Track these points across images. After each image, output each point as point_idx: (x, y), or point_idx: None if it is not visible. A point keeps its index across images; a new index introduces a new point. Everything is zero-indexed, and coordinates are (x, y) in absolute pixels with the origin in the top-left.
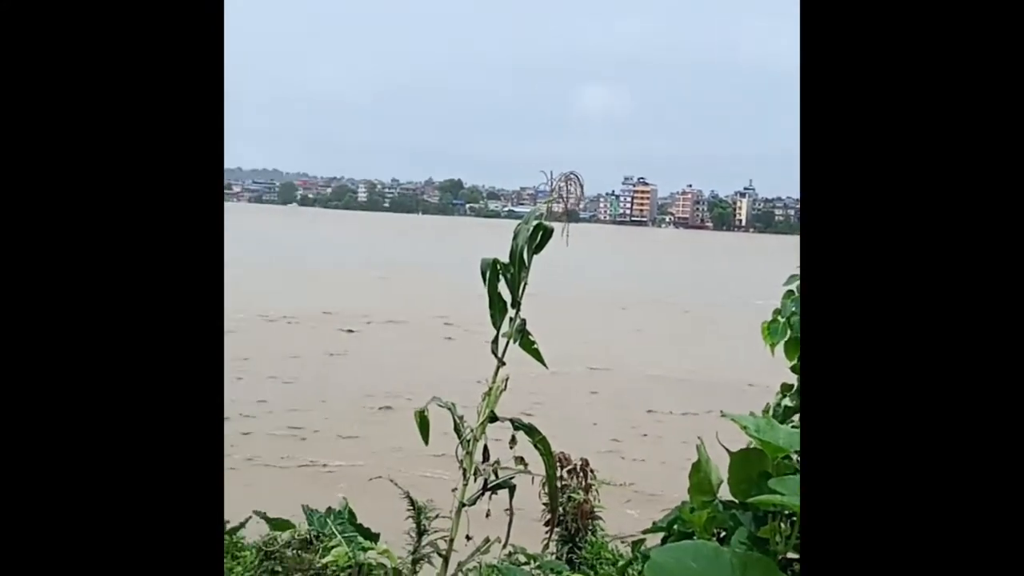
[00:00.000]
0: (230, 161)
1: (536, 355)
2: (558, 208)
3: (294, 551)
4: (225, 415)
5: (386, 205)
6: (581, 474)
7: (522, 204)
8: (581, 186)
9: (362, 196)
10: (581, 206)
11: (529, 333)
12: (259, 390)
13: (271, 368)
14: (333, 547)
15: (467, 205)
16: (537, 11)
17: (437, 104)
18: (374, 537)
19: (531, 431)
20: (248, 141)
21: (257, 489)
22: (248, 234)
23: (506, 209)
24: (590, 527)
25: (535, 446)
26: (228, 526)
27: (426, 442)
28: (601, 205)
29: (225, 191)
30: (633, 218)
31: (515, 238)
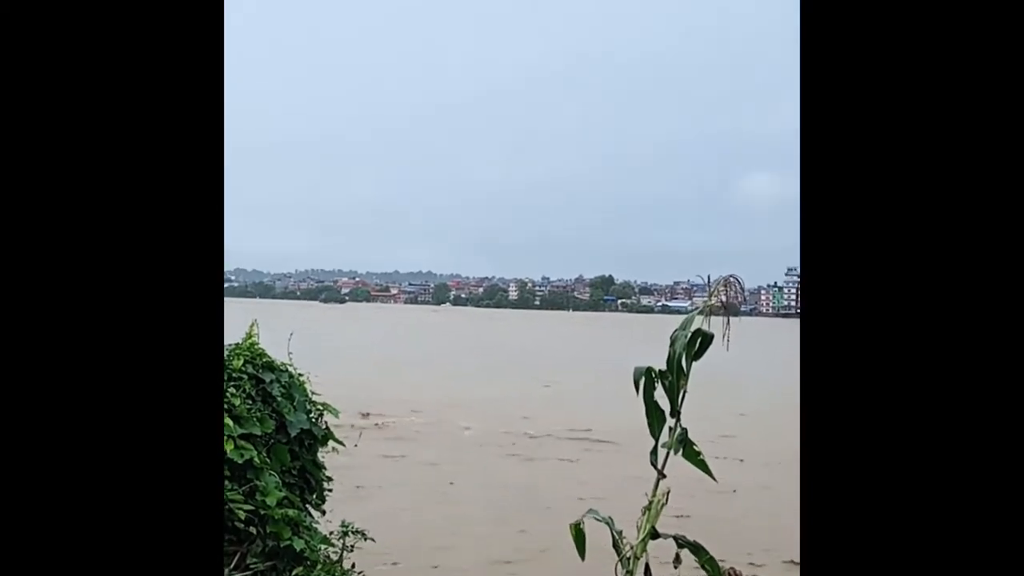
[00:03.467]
0: (388, 265)
1: (703, 467)
2: (717, 303)
3: None
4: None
5: (536, 303)
6: None
7: (676, 299)
8: (742, 288)
9: (513, 295)
10: (740, 306)
11: (693, 443)
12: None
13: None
14: None
15: (619, 301)
16: (695, 97)
17: (587, 198)
18: None
19: (697, 549)
20: (406, 246)
21: None
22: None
23: (659, 304)
24: None
25: (702, 566)
26: None
27: (582, 557)
28: (763, 297)
29: (383, 293)
30: (798, 310)
31: (672, 344)
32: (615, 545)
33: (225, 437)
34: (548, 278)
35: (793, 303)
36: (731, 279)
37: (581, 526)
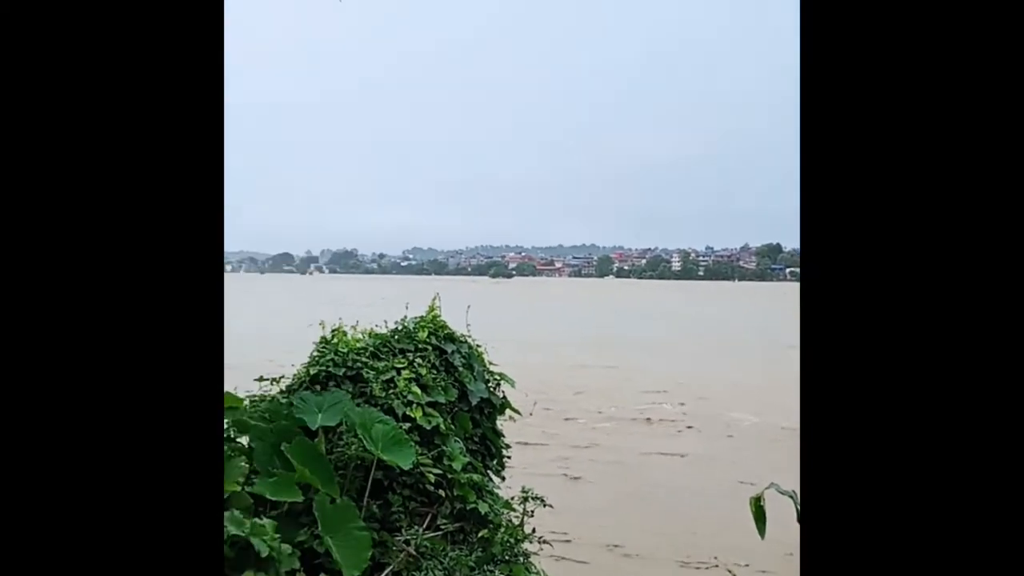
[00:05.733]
0: (553, 240)
1: None
2: None
3: None
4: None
5: (700, 273)
6: None
7: None
8: None
9: (676, 265)
10: None
11: None
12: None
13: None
14: None
15: (787, 270)
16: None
17: (752, 164)
18: None
19: None
20: (569, 218)
21: None
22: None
23: None
24: None
25: None
26: None
27: (762, 535)
28: None
29: (548, 267)
30: None
31: None
32: (800, 519)
33: (414, 405)
34: (712, 248)
35: None
36: None
37: (761, 502)
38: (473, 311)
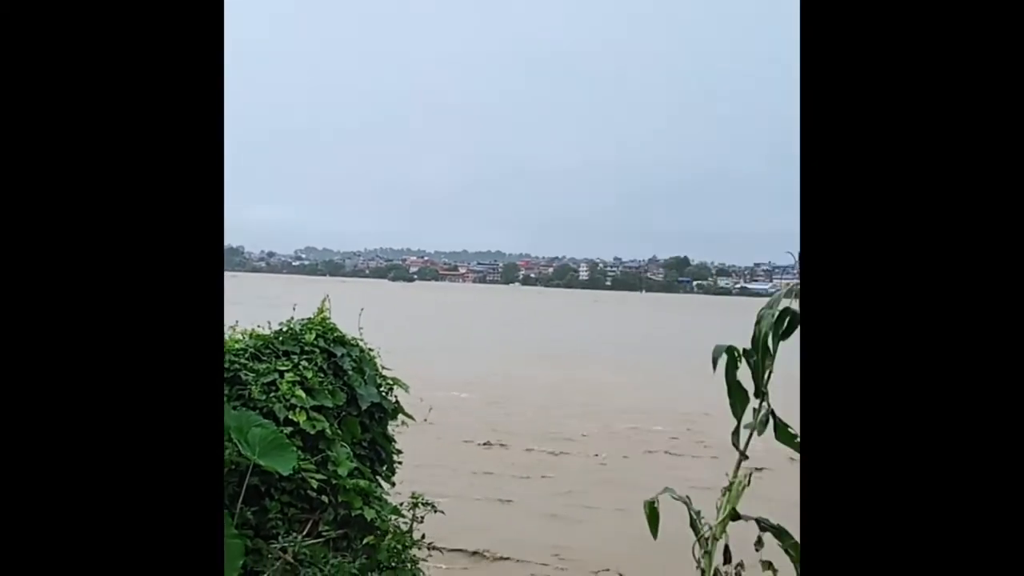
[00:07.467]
0: (457, 245)
1: (799, 448)
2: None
3: None
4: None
5: (608, 283)
6: None
7: (756, 280)
8: None
9: (583, 275)
10: None
11: (788, 425)
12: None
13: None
14: None
15: (694, 283)
16: (777, 77)
17: (660, 178)
18: None
19: (781, 533)
20: (475, 225)
21: None
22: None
23: (737, 286)
24: None
25: (786, 551)
26: None
27: (655, 536)
28: None
29: (452, 272)
30: None
31: (758, 323)
32: (692, 525)
33: (298, 408)
34: (620, 259)
35: None
36: None
37: (655, 504)
38: (369, 315)
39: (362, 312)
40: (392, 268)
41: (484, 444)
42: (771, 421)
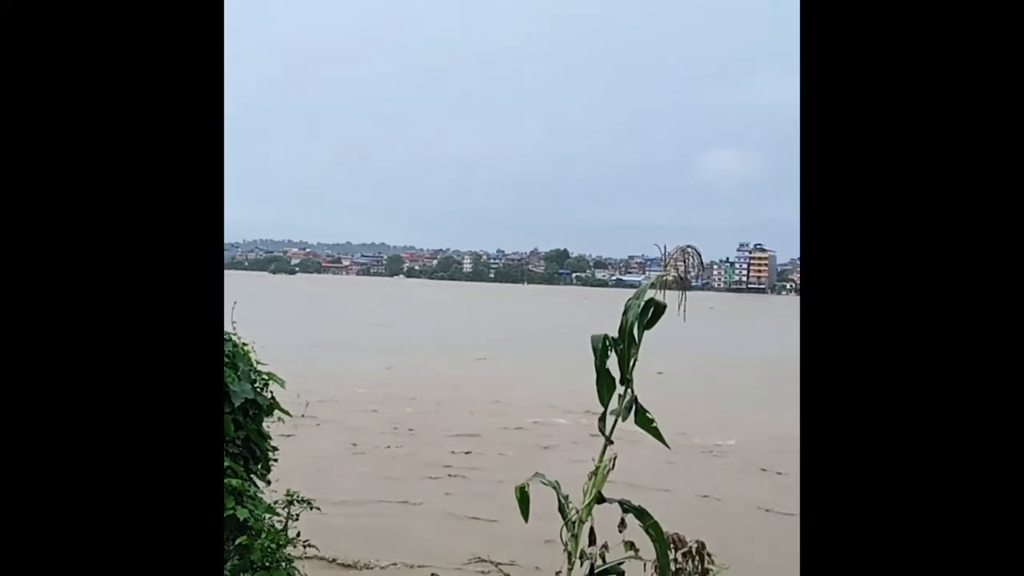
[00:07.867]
0: (341, 236)
1: (655, 434)
2: (670, 278)
3: None
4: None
5: (491, 276)
6: (697, 558)
7: (630, 273)
8: (700, 259)
9: (467, 267)
10: (696, 279)
11: (646, 411)
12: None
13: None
14: None
15: (573, 275)
16: (657, 74)
17: (542, 172)
18: None
19: (641, 514)
20: (359, 216)
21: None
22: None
23: (614, 278)
24: None
25: (646, 531)
26: None
27: (526, 519)
28: (715, 272)
29: (335, 264)
30: (750, 285)
31: (625, 313)
32: (560, 509)
33: None
34: (503, 251)
35: (744, 278)
36: (689, 249)
37: (526, 489)
38: (246, 308)
39: (235, 305)
40: (273, 260)
41: (387, 447)
42: (634, 408)
